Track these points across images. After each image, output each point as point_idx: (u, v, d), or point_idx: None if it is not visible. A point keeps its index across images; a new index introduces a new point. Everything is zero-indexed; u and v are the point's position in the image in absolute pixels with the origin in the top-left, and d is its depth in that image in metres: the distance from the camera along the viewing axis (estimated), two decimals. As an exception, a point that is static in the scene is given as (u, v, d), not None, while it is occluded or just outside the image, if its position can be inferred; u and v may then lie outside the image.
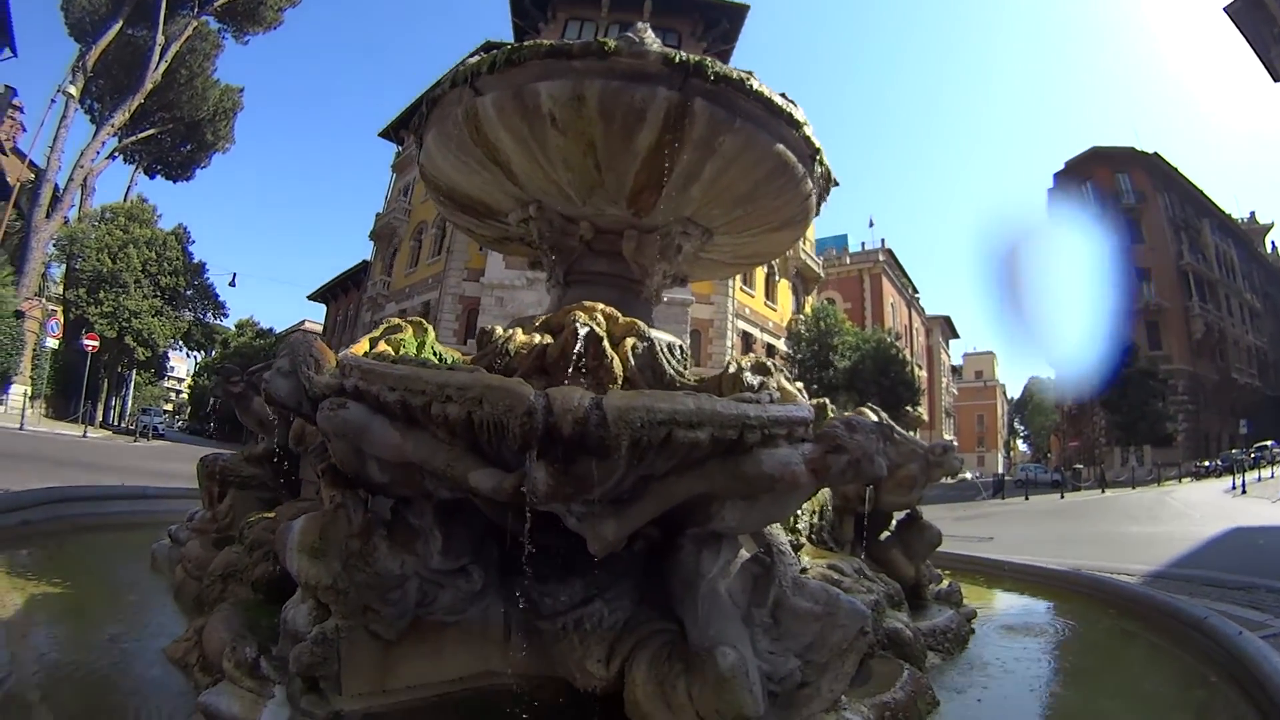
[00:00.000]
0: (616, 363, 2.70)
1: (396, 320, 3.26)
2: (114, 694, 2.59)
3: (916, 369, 50.92)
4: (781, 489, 2.05)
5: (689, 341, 30.24)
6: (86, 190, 30.09)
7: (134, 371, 37.10)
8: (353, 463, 2.41)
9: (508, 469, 2.02)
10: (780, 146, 3.78)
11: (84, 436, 22.64)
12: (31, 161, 29.69)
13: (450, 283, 33.47)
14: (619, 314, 2.94)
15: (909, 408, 38.05)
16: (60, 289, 31.10)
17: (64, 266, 30.06)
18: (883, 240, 55.06)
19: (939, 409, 68.55)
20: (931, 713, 2.71)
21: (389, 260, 40.47)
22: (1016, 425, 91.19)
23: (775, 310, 38.76)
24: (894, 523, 4.79)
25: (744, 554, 2.34)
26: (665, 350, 2.63)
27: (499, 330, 3.06)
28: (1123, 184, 49.91)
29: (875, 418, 4.36)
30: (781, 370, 3.03)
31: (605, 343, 2.71)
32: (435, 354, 3.51)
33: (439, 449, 2.09)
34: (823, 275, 44.33)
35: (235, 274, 46.65)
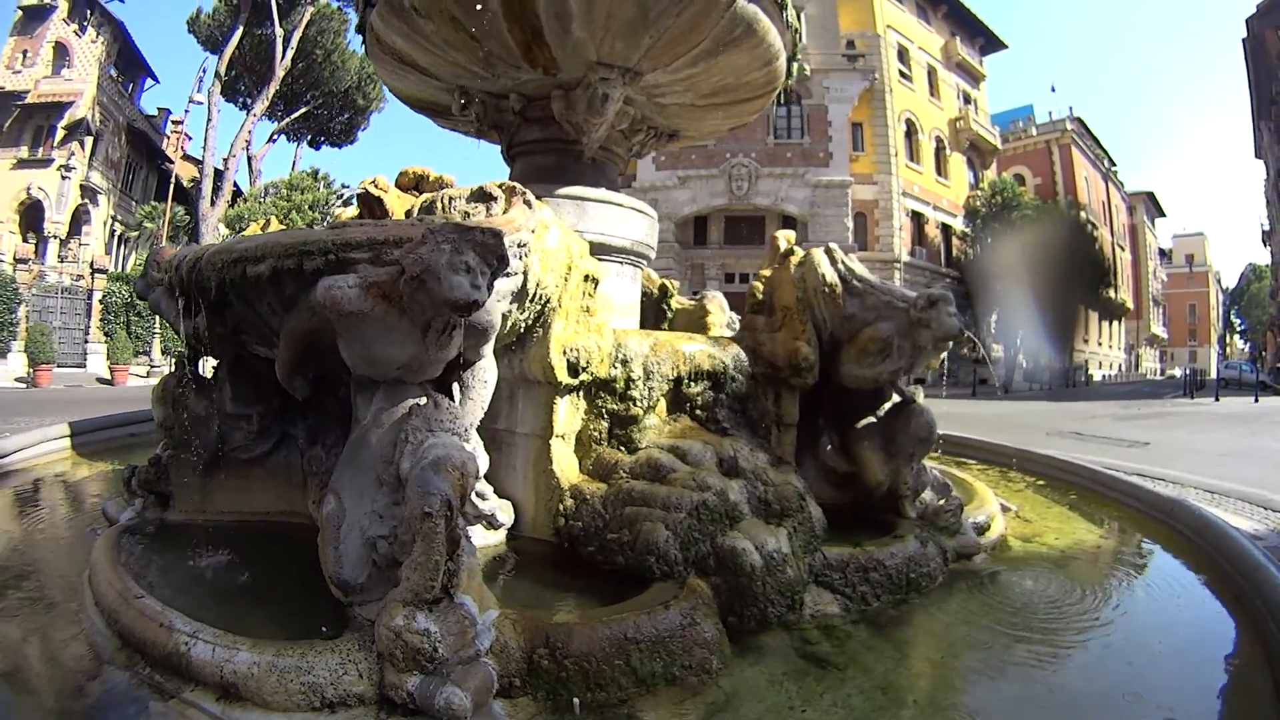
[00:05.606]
0: (399, 216, 2.80)
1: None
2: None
3: (1119, 250, 44.00)
4: (335, 316, 1.80)
5: (851, 225, 28.67)
6: (254, 173, 34.85)
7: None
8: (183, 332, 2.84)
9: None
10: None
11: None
12: (191, 157, 34.53)
13: (606, 190, 34.12)
14: (430, 173, 3.02)
15: (1105, 291, 33.21)
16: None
17: (239, 242, 34.89)
18: (1070, 108, 47.10)
19: (1146, 296, 58.94)
20: (684, 679, 1.99)
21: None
22: (1233, 318, 76.84)
23: (948, 187, 34.75)
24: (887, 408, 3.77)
25: (412, 403, 2.03)
26: (444, 200, 2.62)
27: (338, 212, 3.30)
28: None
29: (828, 258, 3.66)
30: (522, 195, 2.49)
31: (388, 201, 2.82)
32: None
33: (174, 309, 2.41)
34: (999, 147, 38.98)
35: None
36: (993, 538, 3.57)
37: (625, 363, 2.99)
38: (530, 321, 2.61)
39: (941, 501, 3.45)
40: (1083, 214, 34.69)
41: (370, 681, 1.74)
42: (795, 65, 4.56)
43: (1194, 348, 73.04)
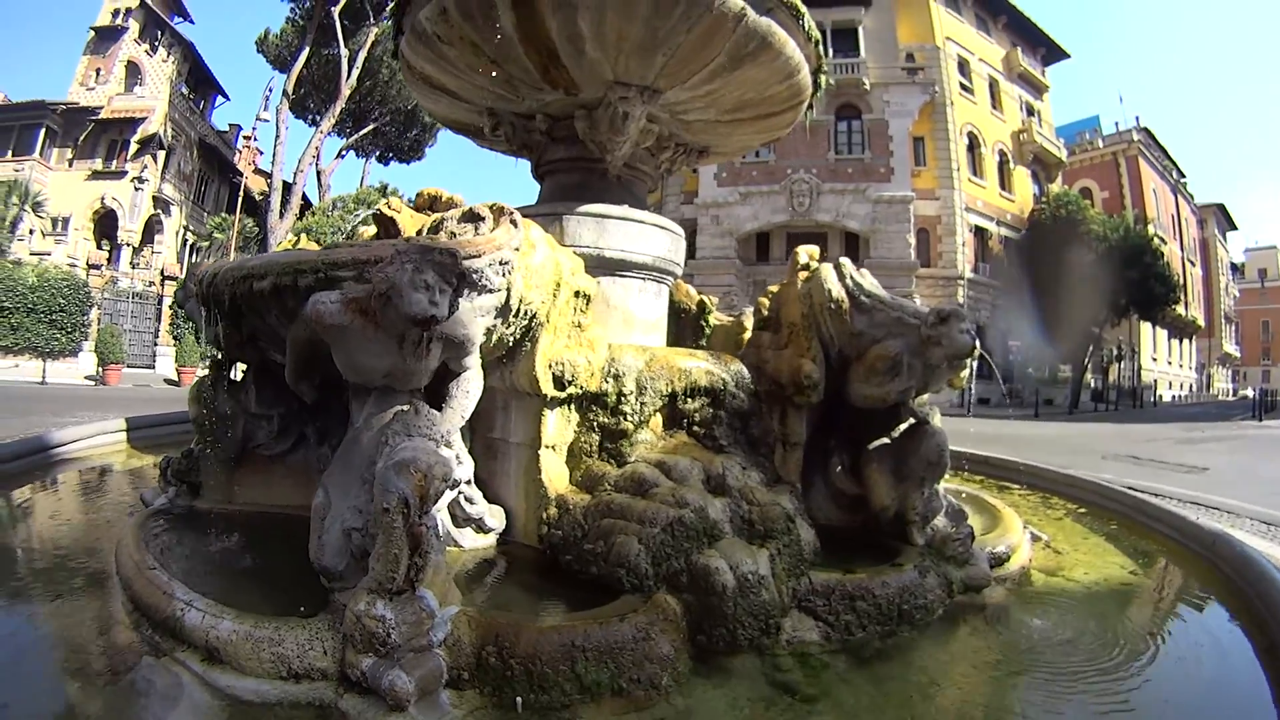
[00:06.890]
0: (410, 235, 3.00)
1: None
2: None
3: (1189, 265, 42.22)
4: (323, 329, 1.97)
5: (913, 241, 28.39)
6: (323, 187, 36.58)
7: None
8: (205, 339, 3.13)
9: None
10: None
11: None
12: (262, 171, 36.68)
13: (669, 207, 32.11)
14: (443, 193, 3.24)
15: (1173, 307, 31.90)
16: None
17: (309, 253, 36.47)
18: (1137, 118, 45.53)
19: (1217, 313, 56.29)
20: (632, 692, 1.99)
21: (615, 196, 42.56)
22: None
23: (1012, 201, 33.82)
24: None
25: (398, 409, 2.16)
26: (451, 219, 2.79)
27: (361, 231, 3.54)
28: None
29: (836, 273, 3.60)
30: (509, 215, 2.55)
31: (401, 221, 3.04)
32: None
33: (202, 317, 2.70)
34: (1065, 159, 37.88)
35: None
36: (1013, 569, 3.43)
37: (617, 377, 3.04)
38: (518, 336, 2.73)
39: (952, 529, 3.27)
40: (1150, 228, 33.44)
41: (333, 659, 1.91)
42: (822, 78, 4.54)
43: (1268, 366, 69.88)
